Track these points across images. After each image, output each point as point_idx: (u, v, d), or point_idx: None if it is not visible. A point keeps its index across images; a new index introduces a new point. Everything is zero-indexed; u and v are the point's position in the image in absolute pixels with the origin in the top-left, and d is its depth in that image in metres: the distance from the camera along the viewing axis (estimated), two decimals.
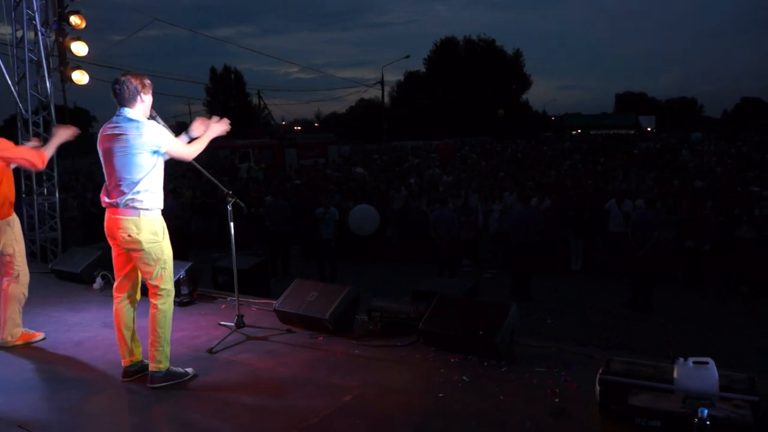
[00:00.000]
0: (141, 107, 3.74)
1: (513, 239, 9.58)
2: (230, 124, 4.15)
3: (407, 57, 52.99)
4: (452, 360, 4.17)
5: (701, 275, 10.23)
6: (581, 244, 11.09)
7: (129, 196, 3.66)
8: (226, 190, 4.72)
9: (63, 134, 4.65)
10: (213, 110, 52.00)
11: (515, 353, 4.24)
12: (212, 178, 4.88)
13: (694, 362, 3.11)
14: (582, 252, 11.14)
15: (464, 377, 3.84)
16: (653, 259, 8.67)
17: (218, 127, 4.06)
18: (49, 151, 4.60)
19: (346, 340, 4.68)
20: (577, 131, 38.73)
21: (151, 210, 3.74)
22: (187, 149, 3.89)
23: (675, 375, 3.10)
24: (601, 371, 3.28)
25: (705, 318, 8.52)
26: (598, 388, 3.22)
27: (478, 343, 4.12)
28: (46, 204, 9.00)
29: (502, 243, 11.48)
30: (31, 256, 8.87)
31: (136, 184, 3.65)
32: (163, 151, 3.74)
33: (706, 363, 3.08)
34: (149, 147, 3.65)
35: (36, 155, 4.52)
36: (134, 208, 3.68)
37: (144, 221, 3.70)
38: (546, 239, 10.67)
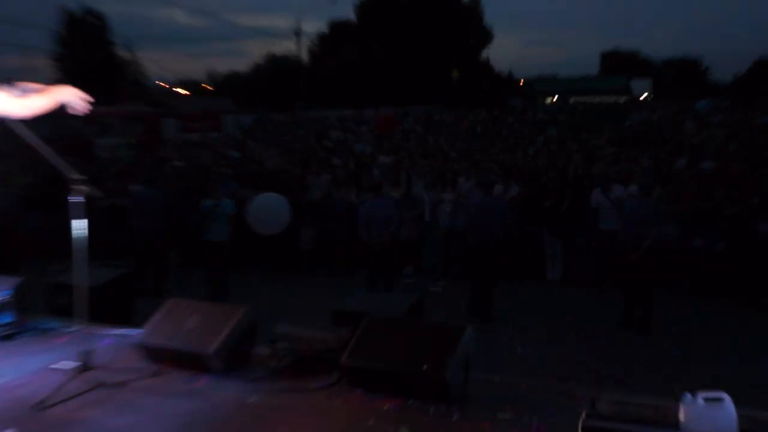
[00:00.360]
0: None
1: (470, 238, 9.67)
2: (87, 84, 3.85)
3: (332, 2, 52.31)
4: (386, 407, 4.16)
5: (713, 283, 10.46)
6: (560, 246, 11.26)
7: None
8: (75, 175, 4.46)
9: None
10: (67, 67, 49.79)
11: (471, 394, 4.25)
12: (55, 158, 4.58)
13: (705, 399, 3.12)
14: (561, 256, 11.25)
15: (402, 430, 3.80)
16: (652, 263, 8.74)
17: (71, 93, 3.78)
18: None
19: (239, 383, 4.63)
20: (552, 99, 39.35)
21: None
22: (15, 105, 3.60)
23: (681, 417, 3.12)
24: (584, 416, 3.24)
25: (719, 339, 8.68)
26: None
27: (421, 381, 4.09)
28: None
29: (456, 244, 11.55)
30: None
31: None
32: None
33: (721, 400, 3.08)
34: None
35: None
36: None
37: None
38: (514, 238, 10.80)
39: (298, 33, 42.75)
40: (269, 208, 10.84)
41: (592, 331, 9.03)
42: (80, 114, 4.19)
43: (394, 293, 8.67)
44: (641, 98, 49.13)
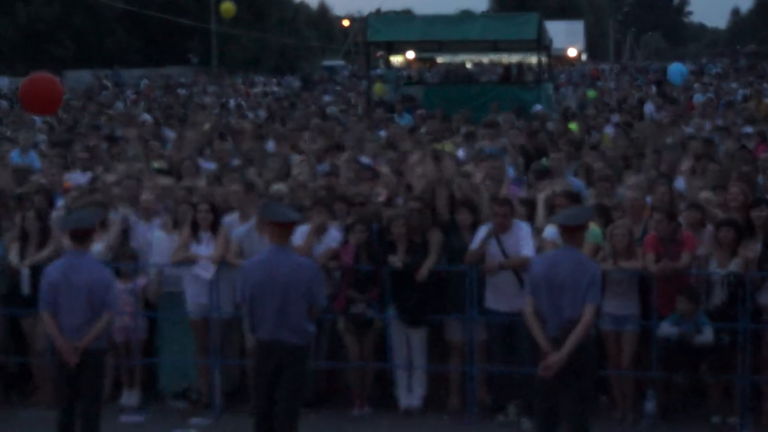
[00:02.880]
0: None
1: (254, 332, 5.79)
2: None
3: None
4: None
5: (695, 402, 7.07)
6: (421, 341, 6.77)
7: None
8: None
9: None
10: None
11: None
12: None
13: None
14: (425, 360, 6.86)
15: None
16: (586, 371, 5.40)
17: None
18: None
19: None
20: (404, 55, 26.63)
21: None
22: None
23: None
24: None
25: None
26: None
27: None
28: None
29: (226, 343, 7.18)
30: None
31: None
32: None
33: None
34: None
35: None
36: None
37: None
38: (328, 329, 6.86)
39: None
40: None
41: None
42: None
43: None
44: (570, 56, 35.45)
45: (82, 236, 5.43)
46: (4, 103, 19.66)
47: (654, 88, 22.68)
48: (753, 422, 6.47)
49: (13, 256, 6.62)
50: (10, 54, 34.63)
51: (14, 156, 9.58)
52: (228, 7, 26.73)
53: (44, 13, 35.08)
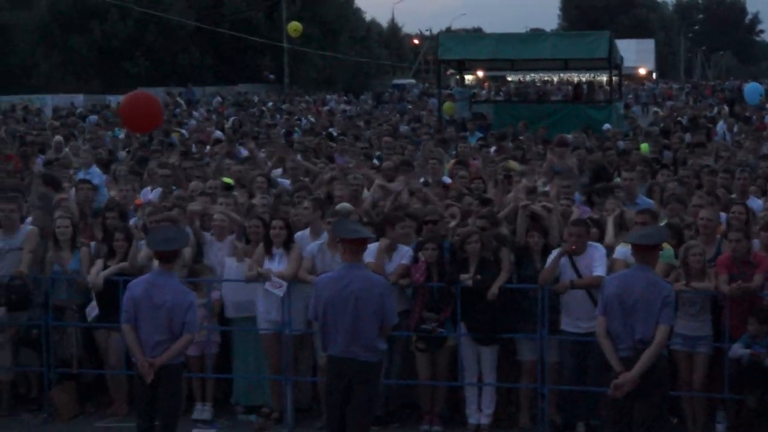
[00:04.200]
0: None
1: (328, 349, 5.42)
2: None
3: None
4: None
5: (758, 422, 6.46)
6: (491, 359, 6.38)
7: None
8: None
9: None
10: None
11: None
12: None
13: None
14: (494, 378, 6.46)
15: None
16: (658, 388, 5.11)
17: None
18: None
19: None
20: (474, 74, 24.98)
21: None
22: None
23: None
24: None
25: None
26: None
27: None
28: None
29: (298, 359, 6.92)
30: None
31: None
32: None
33: None
34: None
35: None
36: None
37: None
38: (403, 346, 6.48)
39: None
40: None
41: None
42: None
43: None
44: (640, 73, 32.98)
45: (168, 257, 5.26)
46: (93, 119, 19.86)
47: (726, 108, 21.52)
48: None
49: (94, 274, 6.45)
50: (85, 71, 34.48)
51: (80, 174, 9.50)
52: (295, 27, 26.20)
53: (118, 30, 34.09)
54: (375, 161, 9.83)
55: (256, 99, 29.16)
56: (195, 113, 21.47)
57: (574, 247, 5.88)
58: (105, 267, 6.56)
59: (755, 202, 7.30)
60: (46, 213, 7.17)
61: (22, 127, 17.77)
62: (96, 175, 9.52)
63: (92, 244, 6.89)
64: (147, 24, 32.92)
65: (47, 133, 15.23)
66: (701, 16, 67.19)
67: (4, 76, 31.69)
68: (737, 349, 5.78)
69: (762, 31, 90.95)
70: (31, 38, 35.79)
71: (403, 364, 6.45)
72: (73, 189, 8.26)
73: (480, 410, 6.63)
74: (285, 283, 6.30)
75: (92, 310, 6.35)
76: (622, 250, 6.02)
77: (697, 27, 65.04)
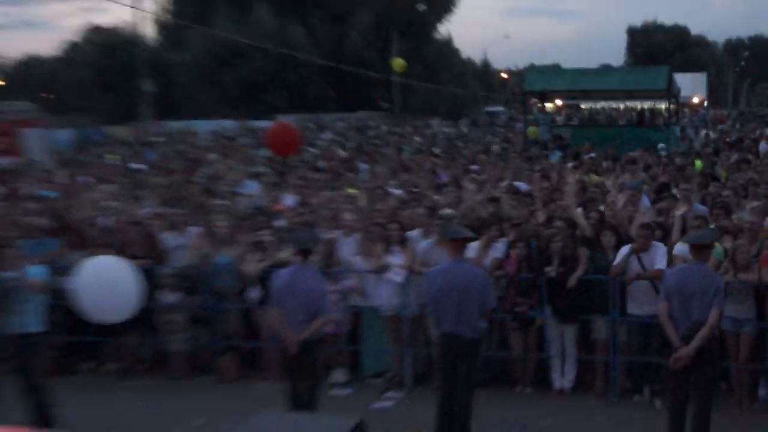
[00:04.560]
0: None
1: (435, 327, 6.43)
2: None
3: None
4: None
5: None
6: (571, 336, 7.17)
7: None
8: None
9: None
10: None
11: None
12: None
13: None
14: (574, 352, 7.27)
15: None
16: (710, 363, 5.84)
17: None
18: None
19: None
20: (553, 102, 24.94)
21: None
22: None
23: None
24: None
25: None
26: None
27: None
28: None
29: (412, 336, 7.62)
30: None
31: None
32: None
33: None
34: None
35: None
36: None
37: None
38: (499, 325, 7.32)
39: None
40: (107, 282, 5.98)
41: None
42: None
43: (320, 416, 5.20)
44: (694, 102, 33.84)
45: (305, 253, 5.99)
46: (244, 141, 21.99)
47: (767, 131, 23.92)
48: None
49: (249, 266, 7.36)
50: (233, 101, 38.93)
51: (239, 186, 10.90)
52: (398, 63, 30.48)
53: (261, 67, 39.17)
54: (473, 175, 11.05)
55: (372, 124, 32.63)
56: (323, 136, 23.46)
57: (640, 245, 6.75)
58: (258, 260, 7.47)
59: None
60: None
61: (182, 146, 19.81)
62: (250, 186, 10.76)
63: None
64: (283, 62, 37.47)
65: (203, 152, 17.41)
66: (747, 53, 72.79)
67: (168, 106, 35.78)
68: None
69: None
70: (189, 74, 41.08)
71: (499, 340, 7.36)
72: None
73: (563, 377, 7.41)
74: (404, 272, 7.18)
75: (254, 293, 7.33)
76: (681, 248, 6.78)
77: (743, 62, 69.27)
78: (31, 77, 38.65)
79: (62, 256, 7.32)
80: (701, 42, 58.82)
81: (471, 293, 5.96)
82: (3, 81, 37.26)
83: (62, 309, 6.67)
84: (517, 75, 42.07)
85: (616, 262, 7.05)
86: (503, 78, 56.18)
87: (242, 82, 39.20)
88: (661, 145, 15.72)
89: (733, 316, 6.76)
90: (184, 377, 7.89)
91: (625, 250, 7.10)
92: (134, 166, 13.85)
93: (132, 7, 24.40)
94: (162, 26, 42.31)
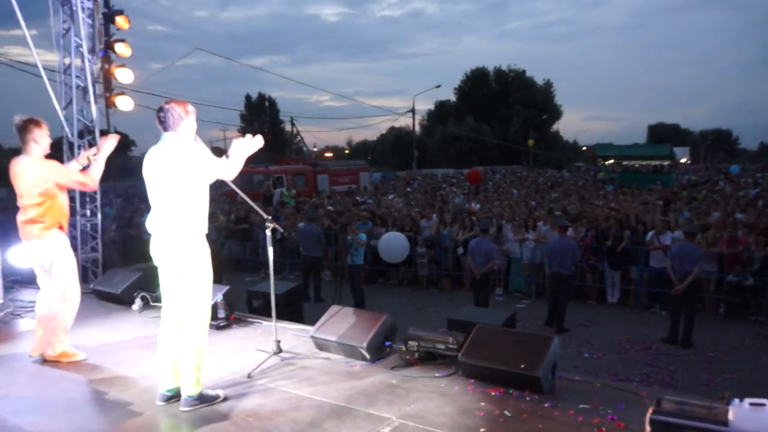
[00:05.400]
0: (184, 133, 3.90)
1: (548, 269, 9.63)
2: (263, 149, 4.10)
3: (438, 87, 53.95)
4: (492, 393, 4.15)
5: (743, 310, 10.08)
6: (618, 276, 10.75)
7: (175, 220, 3.67)
8: (266, 216, 4.72)
9: (108, 146, 5.01)
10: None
11: (557, 388, 4.15)
12: (253, 204, 4.91)
13: (750, 404, 2.97)
14: (619, 284, 11.01)
15: (506, 412, 3.77)
16: (693, 293, 8.57)
17: (253, 142, 4.05)
18: (97, 168, 4.71)
19: (383, 369, 4.74)
20: (609, 161, 38.22)
21: (195, 234, 3.76)
22: (229, 168, 3.98)
23: (730, 417, 2.98)
24: (651, 411, 3.15)
25: (745, 354, 8.38)
26: (648, 428, 3.10)
27: (519, 376, 4.02)
28: (89, 225, 9.19)
29: (536, 273, 11.74)
30: None
31: (183, 207, 3.67)
32: (207, 173, 3.75)
33: (763, 405, 2.93)
34: (194, 171, 3.69)
35: (86, 177, 4.62)
36: (179, 232, 3.71)
37: (188, 245, 3.76)
38: (581, 269, 10.95)
39: (412, 110, 44.19)
40: (394, 243, 11.01)
41: (644, 344, 8.75)
42: (261, 147, 4.12)
43: (493, 309, 8.48)
44: (682, 162, 47.49)
45: (485, 231, 9.58)
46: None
47: None
48: None
49: (459, 235, 12.11)
50: (454, 160, 60.15)
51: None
52: (531, 142, 52.47)
53: (469, 146, 61.42)
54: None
55: (517, 170, 50.32)
56: (495, 175, 39.43)
57: None
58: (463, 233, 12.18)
59: None
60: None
61: (429, 181, 36.53)
62: (459, 198, 20.18)
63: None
64: (482, 142, 60.42)
65: (442, 183, 32.45)
66: (711, 137, 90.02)
67: (423, 162, 55.00)
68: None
69: None
70: (435, 148, 66.37)
71: (581, 276, 11.04)
72: None
73: (613, 296, 10.83)
74: (534, 242, 12.04)
75: (460, 250, 12.00)
76: (678, 234, 10.07)
77: (708, 142, 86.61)
78: (364, 149, 72.01)
79: (372, 230, 12.67)
80: (686, 132, 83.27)
81: (567, 252, 9.26)
82: (349, 150, 73.41)
83: (373, 254, 12.24)
84: (592, 148, 57.82)
85: (648, 238, 10.68)
86: (584, 149, 73.09)
87: (458, 151, 62.11)
88: (665, 183, 26.04)
89: (706, 269, 9.82)
90: (425, 288, 12.52)
91: (651, 233, 10.94)
92: (408, 188, 28.01)
93: (412, 119, 45.68)
94: (422, 126, 68.13)
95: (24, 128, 4.68)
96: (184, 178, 3.83)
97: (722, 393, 3.40)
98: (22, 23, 7.79)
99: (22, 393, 4.34)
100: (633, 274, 11.12)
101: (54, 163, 4.82)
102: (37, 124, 4.72)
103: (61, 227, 4.88)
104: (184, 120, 3.92)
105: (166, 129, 3.91)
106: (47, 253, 4.80)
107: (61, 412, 4.01)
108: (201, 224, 3.96)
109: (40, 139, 4.72)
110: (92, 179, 4.85)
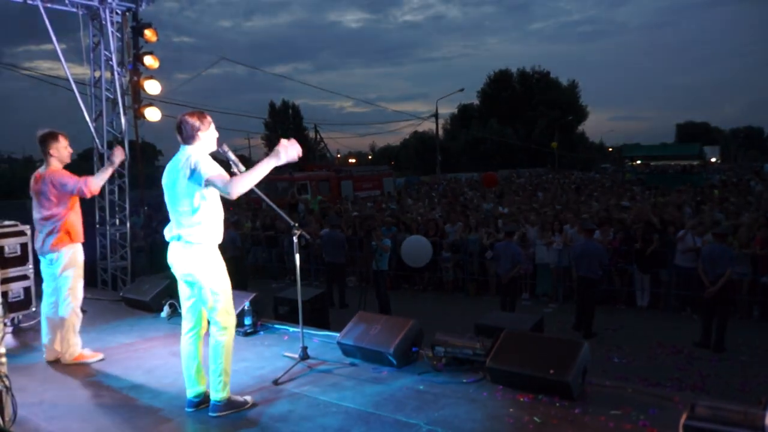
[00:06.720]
0: (200, 144, 4.00)
1: (576, 273, 9.53)
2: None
3: (461, 90, 53.25)
4: (521, 399, 4.08)
5: None
6: (647, 279, 10.64)
7: (185, 229, 3.89)
8: (292, 222, 4.74)
9: (116, 158, 5.18)
10: (272, 144, 53.61)
11: (587, 393, 4.05)
12: (280, 211, 4.94)
13: None
14: (648, 287, 10.93)
15: (535, 418, 3.73)
16: (726, 296, 8.38)
17: (289, 150, 3.90)
18: (99, 176, 4.86)
19: (410, 374, 4.73)
20: (636, 162, 37.71)
21: (205, 242, 3.81)
22: (237, 183, 3.78)
23: (767, 422, 2.87)
24: (685, 417, 3.08)
25: None
26: None
27: (548, 382, 3.97)
28: (118, 234, 9.38)
29: (563, 277, 11.58)
30: (102, 284, 9.19)
31: (190, 217, 3.87)
32: (213, 185, 3.85)
33: None
34: (199, 182, 3.83)
35: (83, 182, 4.95)
36: (189, 240, 3.83)
37: (198, 253, 3.79)
38: (610, 273, 10.81)
39: (435, 115, 43.94)
40: (417, 247, 11.03)
41: (675, 348, 8.64)
42: (296, 159, 3.99)
43: (520, 314, 8.46)
44: (712, 161, 46.79)
45: (510, 234, 9.84)
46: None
47: None
48: None
49: (485, 239, 12.61)
50: (477, 164, 57.70)
51: None
52: (554, 144, 53.25)
53: (493, 149, 59.97)
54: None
55: (542, 172, 50.91)
56: (519, 180, 38.16)
57: None
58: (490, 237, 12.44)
59: None
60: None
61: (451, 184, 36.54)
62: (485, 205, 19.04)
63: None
64: (507, 145, 58.79)
65: (463, 188, 31.92)
66: (742, 134, 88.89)
67: (447, 166, 54.06)
68: None
69: None
70: (458, 152, 62.57)
71: (608, 279, 11.05)
72: None
73: (642, 299, 10.70)
74: (561, 246, 12.11)
75: (488, 253, 11.79)
76: (708, 236, 9.69)
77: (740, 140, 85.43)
78: (388, 155, 68.68)
79: (396, 235, 12.66)
80: (716, 130, 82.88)
81: (594, 256, 9.11)
82: (372, 156, 71.83)
83: (397, 259, 12.24)
84: (618, 149, 59.66)
85: (680, 234, 10.24)
86: (610, 150, 75.99)
87: (481, 155, 60.24)
88: (694, 183, 24.85)
89: (739, 271, 9.39)
90: (450, 293, 12.61)
91: (682, 231, 10.43)
92: (434, 193, 28.43)
93: (435, 123, 46.01)
94: (445, 130, 67.33)
95: (42, 142, 4.95)
96: (188, 189, 3.90)
97: (758, 398, 3.31)
98: (53, 38, 7.99)
99: (56, 399, 4.42)
100: (663, 276, 11.00)
101: (59, 172, 4.98)
102: (54, 137, 4.98)
103: (71, 237, 5.01)
104: (201, 131, 3.95)
105: (182, 141, 3.99)
106: (60, 263, 4.99)
107: (94, 419, 4.10)
108: (211, 233, 3.99)
109: (57, 152, 4.97)
110: (88, 186, 4.92)
